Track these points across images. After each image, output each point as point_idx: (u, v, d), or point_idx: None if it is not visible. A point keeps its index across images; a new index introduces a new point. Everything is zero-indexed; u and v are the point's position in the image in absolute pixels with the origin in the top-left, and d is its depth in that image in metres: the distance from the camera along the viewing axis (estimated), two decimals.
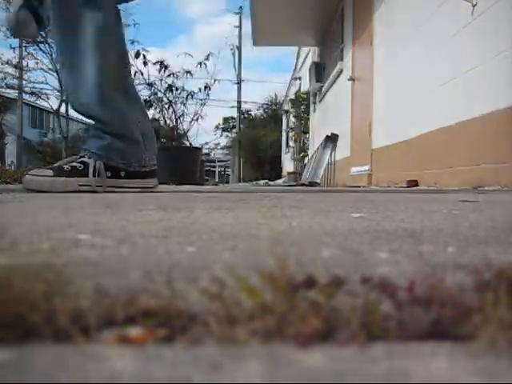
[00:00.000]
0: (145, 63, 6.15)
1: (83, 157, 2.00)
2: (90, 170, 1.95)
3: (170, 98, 6.30)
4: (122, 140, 2.02)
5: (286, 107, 15.52)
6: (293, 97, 13.14)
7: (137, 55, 6.04)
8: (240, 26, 23.23)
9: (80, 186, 1.92)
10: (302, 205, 1.14)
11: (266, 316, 0.26)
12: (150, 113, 6.56)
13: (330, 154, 7.43)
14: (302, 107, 11.99)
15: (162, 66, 6.21)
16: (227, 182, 15.03)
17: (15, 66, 16.63)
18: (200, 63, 6.33)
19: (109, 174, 1.98)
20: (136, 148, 2.06)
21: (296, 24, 8.99)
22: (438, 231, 0.59)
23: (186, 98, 6.30)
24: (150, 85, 6.29)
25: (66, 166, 1.94)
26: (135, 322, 0.26)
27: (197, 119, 6.34)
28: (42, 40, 15.20)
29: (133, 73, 6.14)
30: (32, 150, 21.51)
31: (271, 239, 0.53)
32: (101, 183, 1.96)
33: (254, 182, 8.88)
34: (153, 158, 2.13)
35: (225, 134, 28.76)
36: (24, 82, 17.48)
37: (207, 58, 6.36)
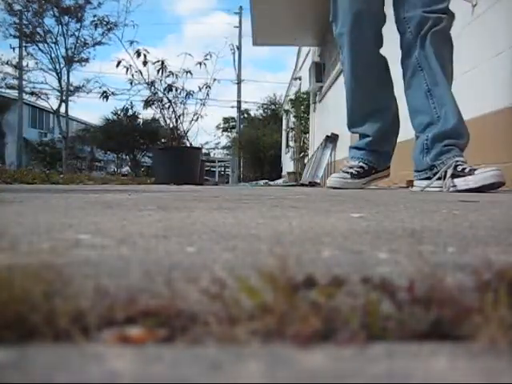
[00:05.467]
0: (145, 63, 6.15)
1: None
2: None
3: (170, 98, 6.29)
4: None
5: (286, 107, 15.51)
6: (293, 97, 13.13)
7: (137, 54, 6.04)
8: (240, 26, 23.27)
9: None
10: (301, 205, 1.14)
11: (266, 316, 0.26)
12: (150, 113, 6.55)
13: (330, 154, 7.42)
14: (302, 107, 11.98)
15: (163, 66, 6.20)
16: (227, 182, 15.02)
17: (15, 66, 16.63)
18: (200, 63, 6.32)
19: None
20: None
21: (296, 24, 8.97)
22: (437, 231, 0.59)
23: (186, 97, 6.30)
24: (152, 84, 6.28)
25: None
26: (135, 322, 0.26)
27: (197, 119, 6.33)
28: (41, 40, 15.19)
29: (133, 72, 6.17)
30: (32, 149, 21.52)
31: (271, 239, 0.53)
32: None
33: (254, 183, 8.89)
34: None
35: (225, 134, 28.76)
36: (24, 82, 17.48)
37: (206, 58, 6.36)
